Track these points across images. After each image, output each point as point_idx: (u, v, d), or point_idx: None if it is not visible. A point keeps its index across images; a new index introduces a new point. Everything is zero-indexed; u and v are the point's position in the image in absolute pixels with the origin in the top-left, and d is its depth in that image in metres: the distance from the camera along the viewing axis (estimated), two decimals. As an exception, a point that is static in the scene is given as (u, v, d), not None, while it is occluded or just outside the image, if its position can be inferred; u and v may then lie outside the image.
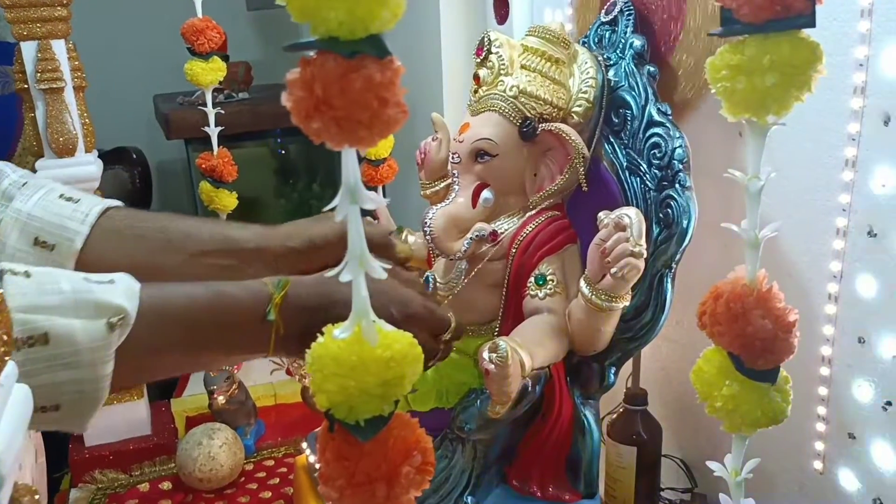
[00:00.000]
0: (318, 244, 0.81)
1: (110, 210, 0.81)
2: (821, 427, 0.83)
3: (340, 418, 0.40)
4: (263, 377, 1.42)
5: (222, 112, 1.31)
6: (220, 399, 1.19)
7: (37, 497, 0.40)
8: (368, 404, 0.40)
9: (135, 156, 2.37)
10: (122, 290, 0.61)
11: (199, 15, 1.23)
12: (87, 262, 0.78)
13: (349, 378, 0.39)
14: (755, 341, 0.48)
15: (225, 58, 1.29)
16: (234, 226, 0.85)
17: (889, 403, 0.76)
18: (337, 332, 0.40)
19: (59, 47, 1.10)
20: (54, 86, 1.10)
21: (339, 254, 0.88)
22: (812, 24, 0.43)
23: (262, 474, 1.20)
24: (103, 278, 0.62)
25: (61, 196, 0.81)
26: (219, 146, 1.30)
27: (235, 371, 1.20)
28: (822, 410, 0.83)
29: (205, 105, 1.29)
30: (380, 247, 0.80)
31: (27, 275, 0.59)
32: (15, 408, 0.39)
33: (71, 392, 0.58)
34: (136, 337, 0.61)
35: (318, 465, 0.45)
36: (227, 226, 0.87)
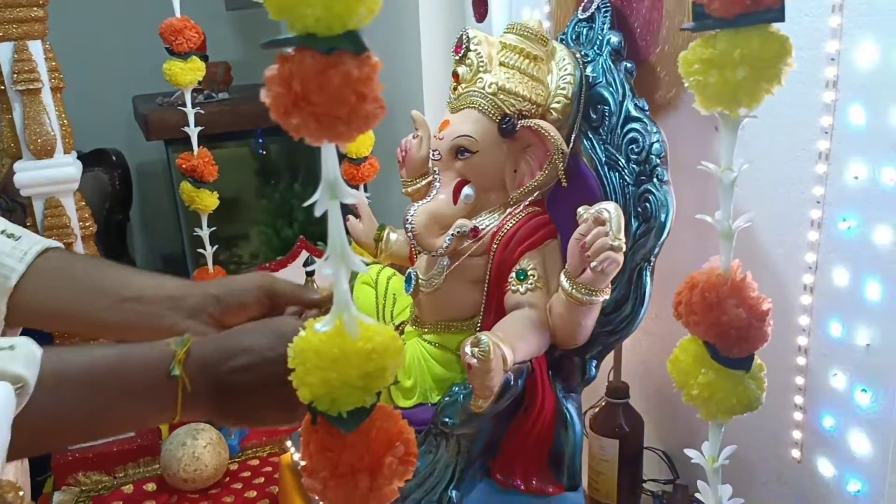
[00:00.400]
0: (237, 292, 0.83)
1: (49, 251, 0.82)
2: (798, 416, 0.85)
3: (323, 410, 0.41)
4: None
5: (202, 112, 1.31)
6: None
7: (21, 493, 0.40)
8: (350, 396, 0.40)
9: (114, 157, 2.37)
10: (23, 357, 0.59)
11: (178, 15, 1.23)
12: (18, 299, 0.79)
13: (331, 370, 0.40)
14: (730, 330, 0.49)
15: (204, 58, 1.29)
16: (165, 277, 0.86)
17: (864, 391, 0.77)
18: (319, 326, 0.40)
19: (35, 48, 1.09)
20: (31, 87, 1.09)
21: (262, 307, 0.89)
22: (781, 19, 0.44)
23: (246, 474, 1.20)
24: (3, 343, 0.59)
25: (3, 232, 0.81)
26: (199, 146, 1.30)
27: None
28: (798, 400, 0.84)
29: (184, 105, 1.29)
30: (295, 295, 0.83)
31: None
32: (-2, 405, 0.39)
33: None
34: (36, 405, 0.59)
35: (302, 462, 0.45)
36: (159, 276, 0.87)
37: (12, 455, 0.57)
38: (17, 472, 1.05)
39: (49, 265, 0.81)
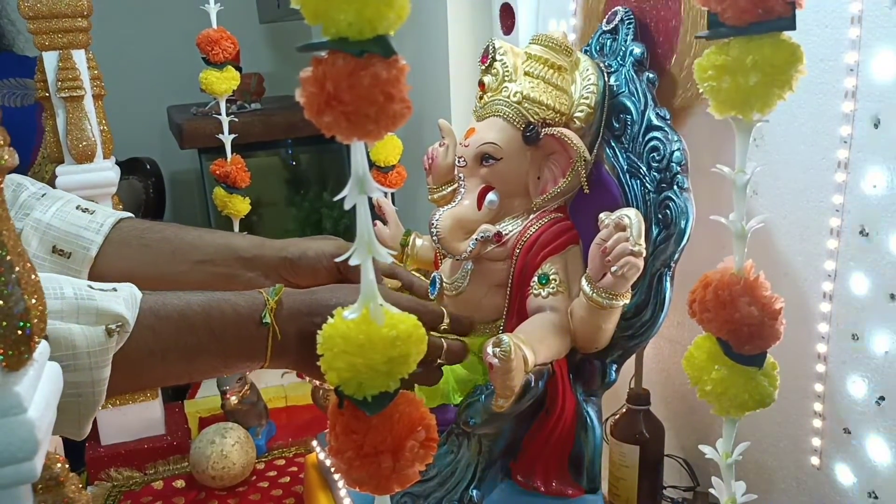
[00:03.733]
0: (311, 258, 0.86)
1: (122, 221, 0.87)
2: (817, 423, 0.85)
3: (349, 394, 0.43)
4: (275, 379, 1.46)
5: (236, 121, 1.35)
6: (233, 399, 1.22)
7: (67, 466, 0.42)
8: (375, 381, 0.42)
9: (148, 166, 2.42)
10: (124, 299, 0.63)
11: (214, 26, 1.27)
12: (99, 269, 0.83)
13: (357, 356, 0.42)
14: (742, 327, 0.50)
15: (238, 69, 1.32)
16: (235, 236, 0.90)
17: (882, 398, 0.78)
18: (346, 314, 0.43)
19: (79, 57, 1.14)
20: (74, 94, 1.14)
21: (331, 275, 0.91)
22: (792, 27, 0.46)
23: (273, 473, 1.23)
24: (106, 286, 0.64)
25: (78, 207, 0.86)
26: (232, 154, 1.34)
27: (248, 372, 1.23)
28: (818, 407, 0.85)
29: (218, 114, 1.32)
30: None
31: None
32: (48, 382, 0.42)
33: (68, 395, 0.59)
34: (135, 343, 0.63)
35: (328, 462, 0.47)
36: (229, 235, 0.90)
37: (113, 390, 0.62)
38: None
39: (124, 235, 0.85)
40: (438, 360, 0.80)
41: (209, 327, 0.69)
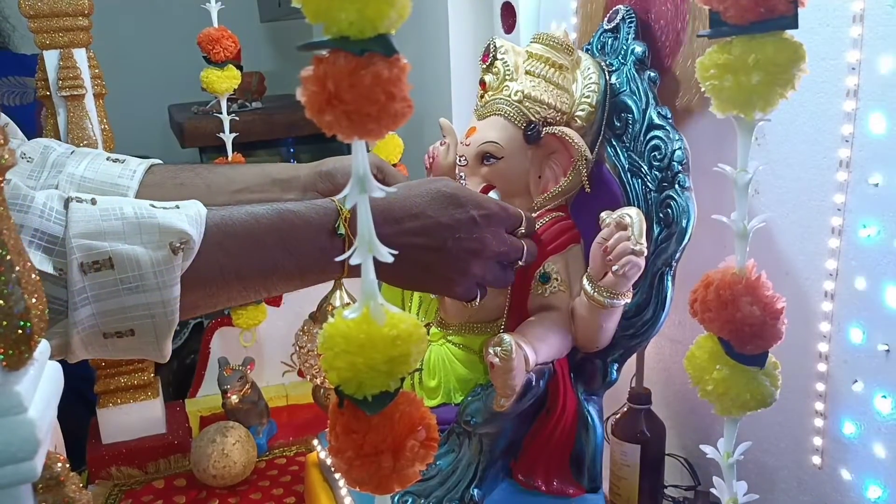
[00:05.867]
0: (348, 167, 0.84)
1: (153, 167, 0.89)
2: (819, 423, 0.85)
3: (349, 394, 0.43)
4: (276, 378, 1.46)
5: (237, 119, 1.35)
6: (233, 398, 1.21)
7: (67, 466, 0.42)
8: (375, 380, 0.42)
9: (150, 165, 2.41)
10: (187, 216, 0.61)
11: (215, 25, 1.27)
12: None
13: (358, 355, 0.42)
14: (744, 327, 0.50)
15: (239, 67, 1.32)
16: (268, 164, 0.90)
17: (884, 397, 0.78)
18: (347, 313, 0.43)
19: (80, 56, 1.14)
20: (75, 93, 1.14)
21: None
22: (795, 26, 0.46)
23: (274, 472, 1.22)
24: (168, 204, 0.62)
25: (108, 158, 0.88)
26: (233, 153, 1.33)
27: (249, 371, 1.23)
28: (819, 406, 0.85)
29: (219, 113, 1.32)
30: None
31: (93, 202, 0.60)
32: (48, 382, 0.41)
33: (141, 316, 0.58)
34: (205, 260, 0.61)
35: (329, 461, 0.47)
36: (262, 165, 0.91)
37: (189, 309, 0.61)
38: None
39: (157, 178, 0.86)
40: (519, 262, 0.82)
41: (281, 242, 0.67)
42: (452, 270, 0.74)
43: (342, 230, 0.67)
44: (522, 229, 0.82)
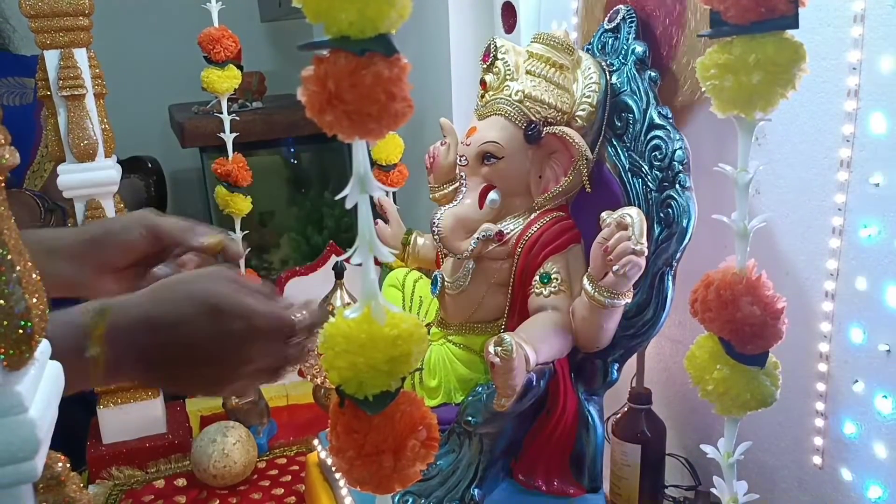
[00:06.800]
0: (117, 233, 0.78)
1: None
2: (819, 423, 0.85)
3: (350, 394, 0.43)
4: (276, 378, 1.46)
5: (237, 119, 1.35)
6: (234, 398, 1.22)
7: (68, 466, 0.42)
8: (376, 380, 0.42)
9: (150, 165, 2.41)
10: None
11: (216, 25, 1.27)
12: None
13: (358, 355, 0.42)
14: (744, 327, 0.50)
15: (239, 67, 1.32)
16: (53, 230, 0.78)
17: (885, 397, 0.77)
18: (348, 313, 0.43)
19: (80, 56, 1.14)
20: (76, 93, 1.14)
21: (147, 249, 0.79)
22: (795, 26, 0.46)
23: (274, 472, 1.23)
24: None
25: None
26: (233, 153, 1.33)
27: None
28: (820, 406, 0.85)
29: (220, 113, 1.32)
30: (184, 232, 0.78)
31: None
32: (49, 381, 0.41)
33: None
34: None
35: (330, 461, 0.47)
36: (49, 231, 0.82)
37: None
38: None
39: None
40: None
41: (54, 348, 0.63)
42: (212, 382, 0.69)
43: (93, 351, 0.60)
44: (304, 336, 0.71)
